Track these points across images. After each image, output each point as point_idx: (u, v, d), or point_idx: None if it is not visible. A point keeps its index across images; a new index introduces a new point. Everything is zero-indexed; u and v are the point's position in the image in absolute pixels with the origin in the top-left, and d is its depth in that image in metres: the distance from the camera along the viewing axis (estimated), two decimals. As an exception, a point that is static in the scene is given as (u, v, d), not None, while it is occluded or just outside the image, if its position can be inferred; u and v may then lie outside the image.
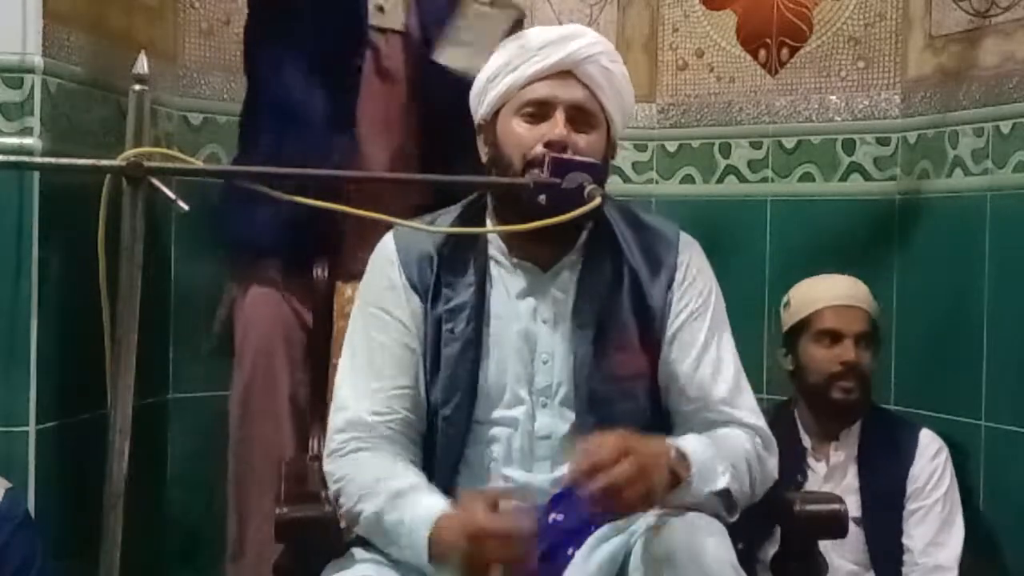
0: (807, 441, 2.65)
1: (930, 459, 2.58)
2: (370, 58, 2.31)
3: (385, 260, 1.87)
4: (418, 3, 2.36)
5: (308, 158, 2.10)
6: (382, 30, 2.30)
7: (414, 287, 1.83)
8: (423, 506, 1.65)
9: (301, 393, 2.29)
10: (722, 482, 1.68)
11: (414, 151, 2.35)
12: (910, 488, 2.56)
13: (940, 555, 2.52)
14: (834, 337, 2.62)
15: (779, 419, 2.65)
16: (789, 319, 2.71)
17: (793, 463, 2.56)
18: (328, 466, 1.79)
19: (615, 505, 1.54)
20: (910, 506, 2.56)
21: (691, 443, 1.69)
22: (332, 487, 1.77)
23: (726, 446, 1.73)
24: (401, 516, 1.66)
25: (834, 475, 2.59)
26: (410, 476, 1.72)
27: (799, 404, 2.69)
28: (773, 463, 1.78)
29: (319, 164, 2.11)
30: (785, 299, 2.75)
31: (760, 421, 1.80)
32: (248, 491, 2.33)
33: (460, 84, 2.34)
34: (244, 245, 2.35)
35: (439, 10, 2.35)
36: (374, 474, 1.72)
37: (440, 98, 2.24)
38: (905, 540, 2.55)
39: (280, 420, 2.28)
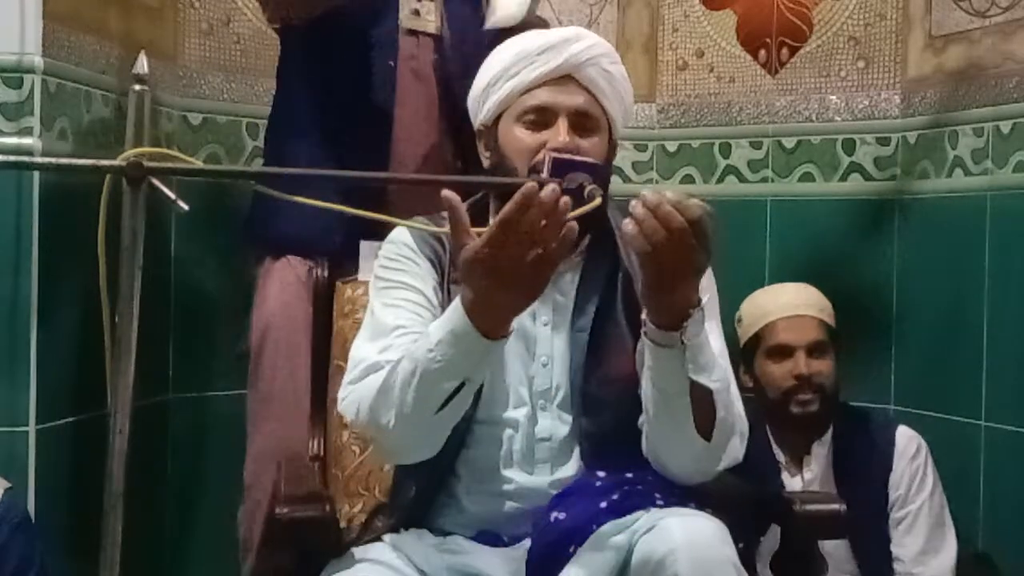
0: (780, 456, 2.58)
1: (909, 461, 2.52)
2: (405, 60, 2.34)
3: (399, 241, 1.85)
4: (448, 6, 2.39)
5: (345, 160, 2.11)
6: (415, 33, 2.33)
7: (430, 260, 1.82)
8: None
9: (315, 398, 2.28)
10: (711, 384, 1.64)
11: (448, 152, 2.37)
12: (892, 495, 2.50)
13: (934, 563, 2.47)
14: (785, 351, 2.56)
15: (751, 436, 2.63)
16: (743, 336, 2.64)
17: (768, 479, 2.50)
18: (343, 405, 1.72)
19: (663, 242, 1.52)
20: (895, 514, 2.51)
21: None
22: (352, 413, 1.69)
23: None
24: (428, 339, 1.60)
25: (810, 489, 2.51)
26: None
27: (769, 419, 2.61)
28: (741, 448, 1.75)
29: (357, 166, 2.13)
30: (737, 315, 2.67)
31: (742, 411, 1.77)
32: (264, 490, 2.31)
33: None
34: (267, 242, 2.36)
35: (469, 13, 2.39)
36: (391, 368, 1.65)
37: (462, 101, 2.30)
38: (895, 549, 2.49)
39: (301, 418, 2.27)
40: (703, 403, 1.66)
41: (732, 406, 1.71)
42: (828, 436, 2.56)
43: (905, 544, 2.49)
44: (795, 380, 2.53)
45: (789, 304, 2.60)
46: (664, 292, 1.59)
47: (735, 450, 1.72)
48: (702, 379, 1.64)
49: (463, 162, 2.36)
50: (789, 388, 2.53)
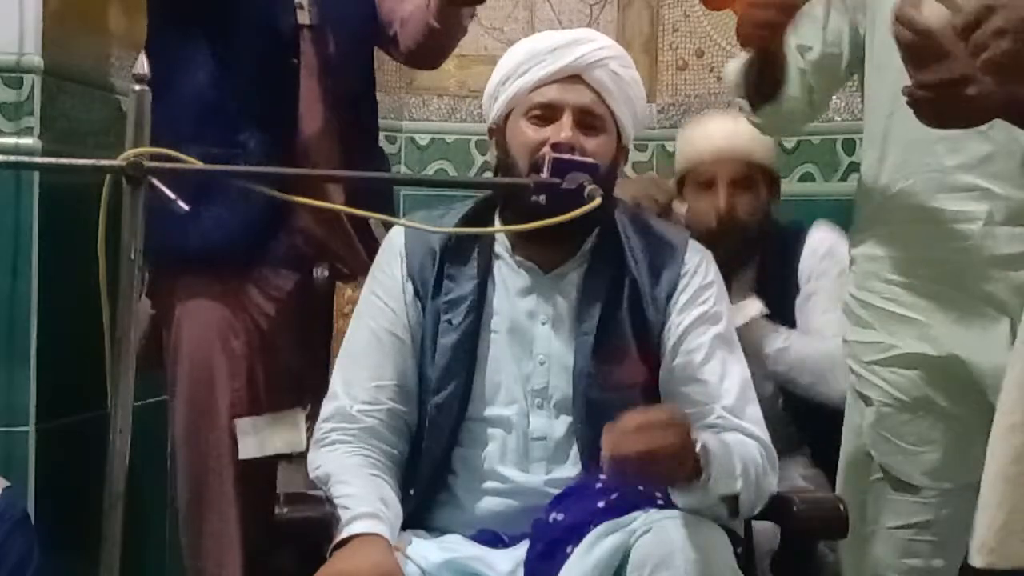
0: None
1: (819, 258, 2.45)
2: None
3: (391, 250, 1.89)
4: None
5: (255, 156, 2.10)
6: (300, 26, 2.31)
7: (413, 279, 1.85)
8: (358, 517, 1.68)
9: (242, 405, 2.22)
10: (736, 485, 1.67)
11: (331, 142, 2.34)
12: (802, 288, 2.45)
13: (820, 343, 2.37)
14: (709, 187, 2.47)
15: None
16: (676, 169, 2.60)
17: None
18: (311, 454, 1.84)
19: (645, 470, 1.56)
20: (798, 301, 2.45)
21: (709, 440, 1.65)
22: (312, 474, 1.81)
23: (738, 452, 1.71)
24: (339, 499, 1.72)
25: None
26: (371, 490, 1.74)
27: None
28: (774, 479, 1.77)
29: (266, 162, 2.12)
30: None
31: (765, 435, 1.78)
32: (201, 510, 2.24)
33: (363, 77, 2.40)
34: (171, 254, 2.20)
35: (343, 2, 2.36)
36: (348, 464, 1.77)
37: (346, 90, 2.31)
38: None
39: (222, 434, 2.21)
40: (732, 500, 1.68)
41: (753, 475, 1.71)
42: (755, 260, 2.50)
43: (801, 318, 2.44)
44: (716, 218, 2.45)
45: (716, 141, 2.50)
46: (682, 478, 1.61)
47: (767, 490, 1.75)
48: (729, 489, 1.66)
49: (356, 152, 2.33)
50: (711, 226, 2.44)
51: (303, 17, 2.29)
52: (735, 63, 2.14)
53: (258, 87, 2.22)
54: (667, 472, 1.58)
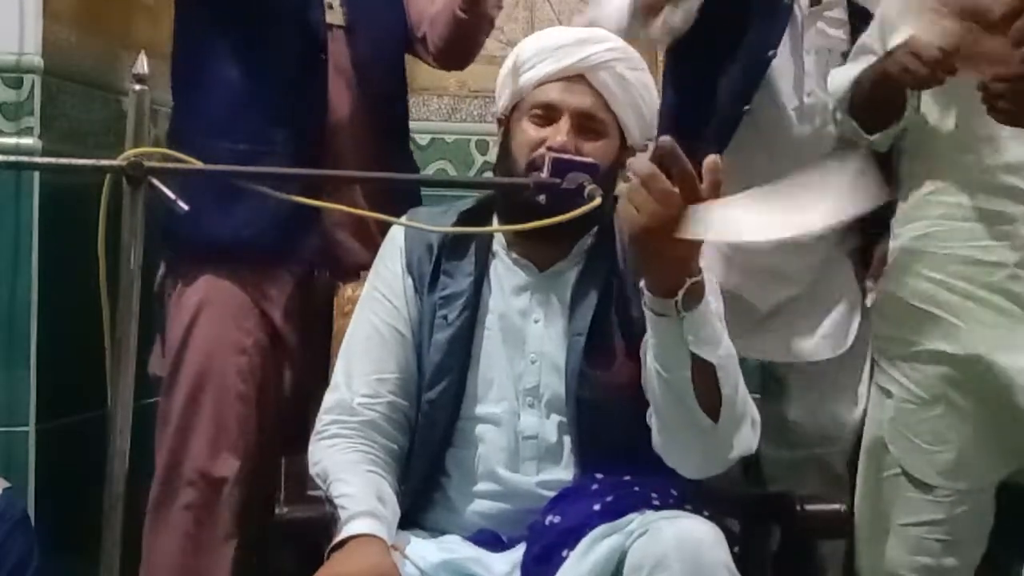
0: None
1: None
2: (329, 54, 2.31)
3: (392, 246, 1.90)
4: None
5: (284, 154, 2.11)
6: (330, 26, 2.32)
7: (412, 274, 1.85)
8: (355, 517, 1.67)
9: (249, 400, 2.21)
10: (714, 357, 1.59)
11: (361, 144, 2.34)
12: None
13: None
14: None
15: None
16: None
17: None
18: (311, 447, 1.84)
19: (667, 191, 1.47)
20: None
21: (711, 302, 1.61)
22: (311, 470, 1.81)
23: (732, 358, 1.65)
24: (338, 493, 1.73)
25: None
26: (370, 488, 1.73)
27: None
28: (755, 437, 1.70)
29: (294, 160, 2.12)
30: None
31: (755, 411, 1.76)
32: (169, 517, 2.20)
33: (394, 78, 2.39)
34: (195, 242, 2.19)
35: (374, 4, 2.37)
36: (346, 461, 1.77)
37: (377, 92, 2.31)
38: None
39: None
40: (707, 380, 1.61)
41: (740, 386, 1.66)
42: None
43: None
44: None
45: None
46: (658, 257, 1.54)
47: (747, 438, 1.68)
48: (703, 352, 1.58)
49: (383, 154, 2.31)
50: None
51: (332, 16, 2.29)
52: (843, 72, 2.12)
53: (285, 83, 2.23)
54: (653, 216, 1.48)
